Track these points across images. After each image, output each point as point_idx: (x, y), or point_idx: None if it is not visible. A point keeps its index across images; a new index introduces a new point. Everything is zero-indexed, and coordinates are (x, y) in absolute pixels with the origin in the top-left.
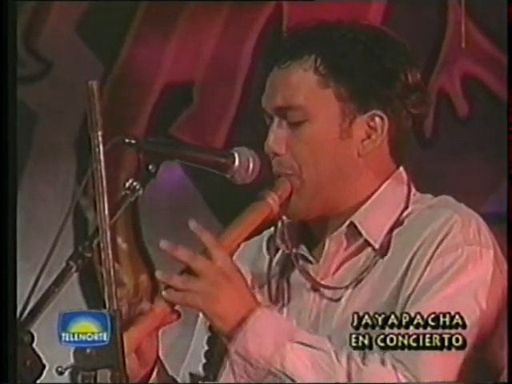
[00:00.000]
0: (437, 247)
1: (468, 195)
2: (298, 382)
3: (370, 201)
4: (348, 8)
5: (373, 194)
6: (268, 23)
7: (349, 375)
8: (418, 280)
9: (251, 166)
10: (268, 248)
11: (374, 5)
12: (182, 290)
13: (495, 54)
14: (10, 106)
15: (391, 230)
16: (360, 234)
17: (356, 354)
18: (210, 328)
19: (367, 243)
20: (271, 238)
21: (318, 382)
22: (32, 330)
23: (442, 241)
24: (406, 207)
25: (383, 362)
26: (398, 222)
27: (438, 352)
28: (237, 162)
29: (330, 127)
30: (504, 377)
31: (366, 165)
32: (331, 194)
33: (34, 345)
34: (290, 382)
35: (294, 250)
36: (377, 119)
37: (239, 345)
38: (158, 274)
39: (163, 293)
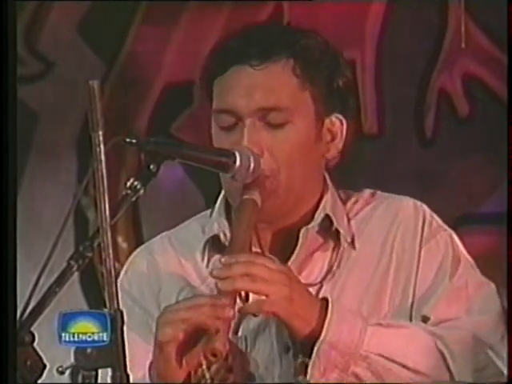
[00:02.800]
0: (421, 237)
1: (468, 195)
2: (392, 358)
3: (328, 196)
4: (348, 8)
5: (323, 194)
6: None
7: (436, 345)
8: (415, 281)
9: (252, 165)
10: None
11: (374, 5)
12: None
13: (495, 53)
14: (11, 106)
15: (348, 221)
16: (331, 226)
17: (430, 327)
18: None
19: (336, 236)
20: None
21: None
22: (33, 330)
23: (422, 230)
24: (344, 202)
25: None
26: (350, 215)
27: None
28: (238, 162)
29: (308, 129)
30: (504, 377)
31: (323, 166)
32: (301, 195)
33: (35, 344)
34: (381, 360)
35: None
36: (338, 122)
37: (330, 333)
38: (221, 286)
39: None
